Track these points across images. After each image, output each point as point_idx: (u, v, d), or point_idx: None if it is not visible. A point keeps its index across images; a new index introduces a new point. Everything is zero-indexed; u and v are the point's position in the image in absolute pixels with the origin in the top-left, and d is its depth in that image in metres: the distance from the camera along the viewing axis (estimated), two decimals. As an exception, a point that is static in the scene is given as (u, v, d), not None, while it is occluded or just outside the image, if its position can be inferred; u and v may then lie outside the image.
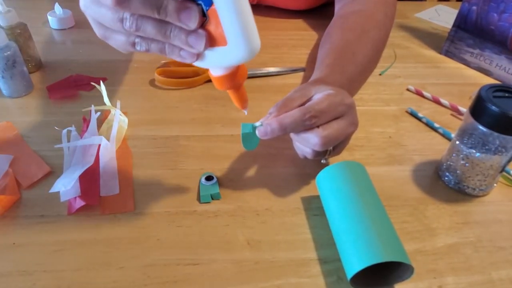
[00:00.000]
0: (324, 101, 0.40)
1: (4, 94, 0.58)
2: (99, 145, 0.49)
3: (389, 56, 0.74)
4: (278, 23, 0.83)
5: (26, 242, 0.39)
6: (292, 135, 0.43)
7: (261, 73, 0.66)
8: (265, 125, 0.40)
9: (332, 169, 0.42)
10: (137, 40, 0.33)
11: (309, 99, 0.42)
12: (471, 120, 0.42)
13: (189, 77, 0.63)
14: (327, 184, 0.42)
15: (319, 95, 0.42)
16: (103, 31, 0.34)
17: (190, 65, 0.65)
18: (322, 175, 0.43)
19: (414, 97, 0.63)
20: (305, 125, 0.40)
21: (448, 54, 0.75)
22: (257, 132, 0.41)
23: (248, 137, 0.42)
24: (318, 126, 0.40)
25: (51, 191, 0.43)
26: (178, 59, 0.33)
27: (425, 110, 0.60)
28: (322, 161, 0.45)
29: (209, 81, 0.63)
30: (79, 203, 0.42)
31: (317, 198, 0.44)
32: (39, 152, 0.49)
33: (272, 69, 0.67)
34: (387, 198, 0.46)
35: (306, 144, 0.42)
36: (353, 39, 0.56)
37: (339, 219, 0.38)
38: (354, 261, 0.35)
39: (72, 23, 0.78)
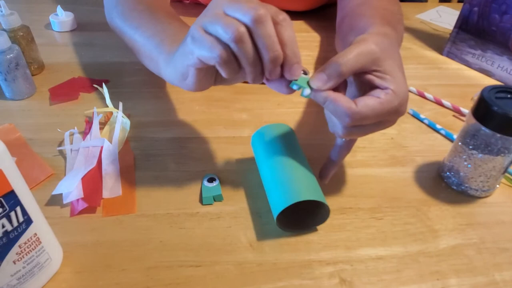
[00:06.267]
0: (376, 109, 0.36)
1: (6, 96, 0.58)
2: (102, 147, 0.49)
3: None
4: (279, 25, 0.83)
5: (29, 244, 0.39)
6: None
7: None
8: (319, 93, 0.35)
9: (265, 130, 0.46)
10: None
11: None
12: (473, 121, 0.42)
13: None
14: (259, 147, 0.45)
15: (372, 99, 0.36)
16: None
17: None
18: (256, 137, 0.46)
19: (416, 98, 0.63)
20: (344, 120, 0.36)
21: (449, 55, 0.75)
22: (307, 93, 0.36)
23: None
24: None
25: (53, 193, 0.43)
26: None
27: (427, 111, 0.60)
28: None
29: None
30: (82, 205, 0.42)
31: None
32: (42, 154, 0.49)
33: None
34: (390, 200, 0.45)
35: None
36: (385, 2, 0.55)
37: (267, 175, 0.42)
38: (277, 204, 0.39)
39: (74, 25, 0.78)
